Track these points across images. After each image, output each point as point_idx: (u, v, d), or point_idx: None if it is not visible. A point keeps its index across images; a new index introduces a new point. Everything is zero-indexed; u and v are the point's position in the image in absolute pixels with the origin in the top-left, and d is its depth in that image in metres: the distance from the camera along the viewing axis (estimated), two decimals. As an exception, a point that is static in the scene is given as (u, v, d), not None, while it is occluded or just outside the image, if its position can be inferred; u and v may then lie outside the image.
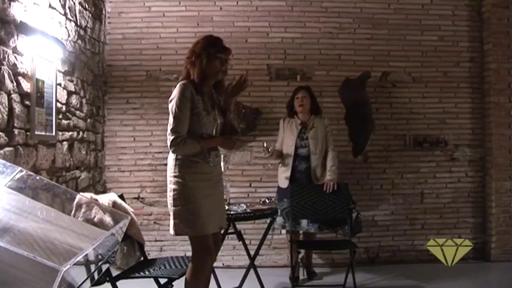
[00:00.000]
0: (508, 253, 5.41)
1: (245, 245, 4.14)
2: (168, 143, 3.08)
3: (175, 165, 3.11)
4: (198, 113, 3.11)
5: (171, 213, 3.08)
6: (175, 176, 3.08)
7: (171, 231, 3.08)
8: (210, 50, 3.14)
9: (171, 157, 3.16)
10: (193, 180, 3.06)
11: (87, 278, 2.58)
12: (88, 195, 3.14)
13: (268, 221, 4.32)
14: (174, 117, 3.08)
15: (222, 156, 3.90)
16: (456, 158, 5.58)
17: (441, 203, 5.56)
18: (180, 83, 3.12)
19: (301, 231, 4.72)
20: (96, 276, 2.96)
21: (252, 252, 4.10)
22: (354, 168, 5.47)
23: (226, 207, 3.73)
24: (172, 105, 3.10)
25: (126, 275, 3.31)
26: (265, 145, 4.51)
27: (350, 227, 4.36)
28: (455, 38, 5.60)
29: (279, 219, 4.58)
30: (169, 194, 3.10)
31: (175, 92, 3.10)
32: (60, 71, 3.98)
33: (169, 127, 3.10)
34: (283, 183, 4.67)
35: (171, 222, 3.08)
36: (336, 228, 4.62)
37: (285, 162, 4.70)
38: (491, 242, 5.44)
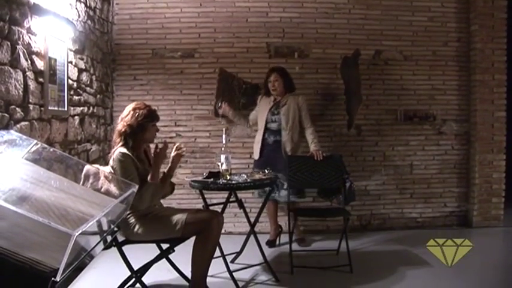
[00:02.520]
0: (488, 220, 5.49)
1: (245, 213, 4.16)
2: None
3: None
4: (140, 172, 3.16)
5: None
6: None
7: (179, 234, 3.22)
8: (149, 118, 3.26)
9: None
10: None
11: (99, 242, 2.63)
12: (96, 166, 3.15)
13: (267, 190, 4.36)
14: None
15: (224, 129, 3.96)
16: (443, 132, 5.60)
17: (429, 173, 5.59)
18: (120, 153, 3.12)
19: (281, 200, 4.74)
20: (107, 241, 3.03)
21: (252, 220, 4.15)
22: (348, 141, 5.49)
23: (228, 177, 3.78)
24: (119, 174, 3.07)
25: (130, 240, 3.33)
26: (219, 104, 4.99)
27: (344, 196, 4.38)
28: (443, 19, 5.55)
29: (282, 192, 4.64)
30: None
31: (116, 163, 3.10)
32: (71, 50, 3.97)
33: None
34: (256, 154, 4.78)
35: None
36: (330, 197, 4.64)
37: (257, 136, 4.82)
38: (473, 210, 5.50)
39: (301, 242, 4.83)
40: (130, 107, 3.30)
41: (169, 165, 3.30)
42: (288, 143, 4.67)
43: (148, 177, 3.17)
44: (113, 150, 3.23)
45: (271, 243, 4.82)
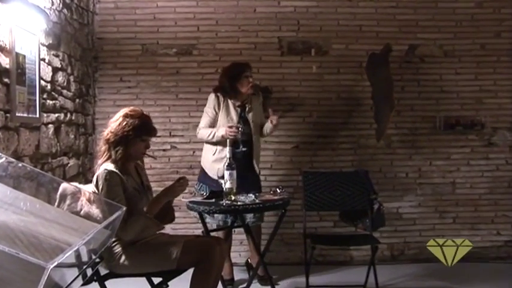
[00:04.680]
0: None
1: (253, 240, 4.14)
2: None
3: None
4: (129, 194, 3.16)
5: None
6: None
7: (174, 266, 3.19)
8: (139, 132, 3.22)
9: None
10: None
11: (78, 276, 2.60)
12: (74, 184, 3.13)
13: (279, 213, 4.32)
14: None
15: (228, 140, 3.93)
16: (494, 143, 5.53)
17: (476, 194, 5.53)
18: (106, 170, 3.12)
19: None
20: (88, 274, 2.99)
21: (261, 248, 4.12)
22: (375, 154, 5.45)
23: (233, 198, 3.76)
24: (103, 194, 3.07)
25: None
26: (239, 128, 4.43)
27: (371, 220, 4.36)
28: (495, 4, 5.51)
29: (218, 216, 4.42)
30: None
31: (101, 182, 3.10)
32: (43, 45, 3.96)
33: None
34: (219, 173, 4.31)
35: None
36: (355, 221, 4.61)
37: (217, 151, 4.51)
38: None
39: (262, 281, 4.61)
40: (122, 112, 3.30)
41: (160, 195, 3.30)
42: (258, 156, 4.65)
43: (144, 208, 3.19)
44: (98, 163, 3.24)
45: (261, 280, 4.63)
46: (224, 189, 3.81)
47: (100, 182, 3.10)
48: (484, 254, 5.46)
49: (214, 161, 4.50)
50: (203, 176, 4.62)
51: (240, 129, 4.36)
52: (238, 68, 4.56)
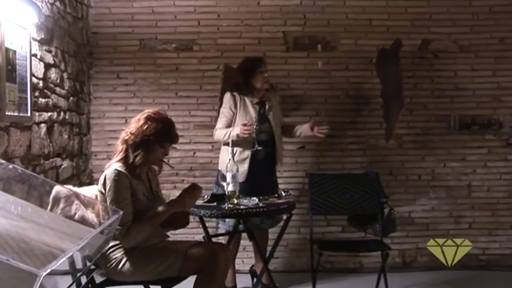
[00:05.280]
0: None
1: (257, 246, 4.14)
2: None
3: None
4: (138, 200, 3.17)
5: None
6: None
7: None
8: (161, 138, 3.23)
9: None
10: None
11: (72, 284, 2.60)
12: (68, 187, 3.13)
13: (285, 217, 4.32)
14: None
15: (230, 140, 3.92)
16: (513, 143, 5.53)
17: (494, 197, 5.51)
18: (116, 170, 3.13)
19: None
20: (82, 282, 2.99)
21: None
22: (386, 155, 5.45)
23: (235, 201, 3.76)
24: (110, 195, 3.10)
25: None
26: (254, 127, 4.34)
27: (382, 225, 4.35)
28: (516, -6, 5.50)
29: (230, 220, 4.39)
30: None
31: (109, 182, 3.12)
32: (35, 39, 3.96)
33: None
34: (241, 176, 4.34)
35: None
36: (364, 226, 4.61)
37: (238, 152, 4.42)
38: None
39: None
40: (145, 112, 3.30)
41: (167, 206, 3.29)
42: (280, 156, 4.64)
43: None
44: (110, 162, 3.25)
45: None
46: (226, 192, 3.81)
47: (108, 182, 3.11)
48: (502, 262, 5.44)
49: (236, 163, 4.45)
50: (222, 179, 4.59)
51: (255, 126, 4.31)
52: (252, 63, 4.58)
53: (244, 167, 4.42)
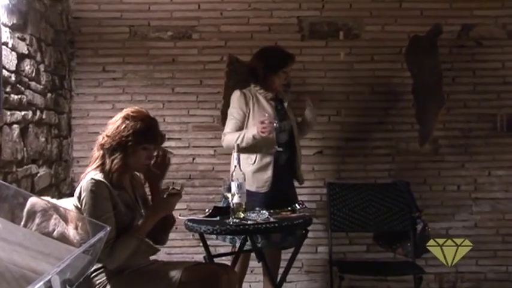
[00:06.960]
0: None
1: (267, 268, 4.13)
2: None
3: None
4: (120, 212, 3.17)
5: None
6: None
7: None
8: (140, 138, 3.20)
9: None
10: None
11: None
12: (45, 199, 3.12)
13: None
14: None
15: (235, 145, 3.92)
16: None
17: (549, 212, 5.50)
18: (93, 180, 3.12)
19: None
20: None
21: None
22: (419, 162, 5.45)
23: (242, 215, 3.76)
24: (87, 210, 3.10)
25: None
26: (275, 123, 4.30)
27: (414, 244, 4.33)
28: None
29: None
30: None
31: (85, 194, 3.11)
32: (5, 25, 3.94)
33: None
34: (265, 186, 4.42)
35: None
36: (393, 245, 4.60)
37: (259, 157, 4.45)
38: None
39: None
40: (123, 112, 3.30)
41: (150, 212, 3.29)
42: (300, 162, 4.65)
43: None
44: (85, 172, 3.25)
45: None
46: (231, 204, 3.80)
47: (84, 194, 3.10)
48: None
49: (257, 171, 4.41)
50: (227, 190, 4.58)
51: (275, 124, 4.25)
52: (282, 59, 4.54)
53: (268, 174, 4.40)
